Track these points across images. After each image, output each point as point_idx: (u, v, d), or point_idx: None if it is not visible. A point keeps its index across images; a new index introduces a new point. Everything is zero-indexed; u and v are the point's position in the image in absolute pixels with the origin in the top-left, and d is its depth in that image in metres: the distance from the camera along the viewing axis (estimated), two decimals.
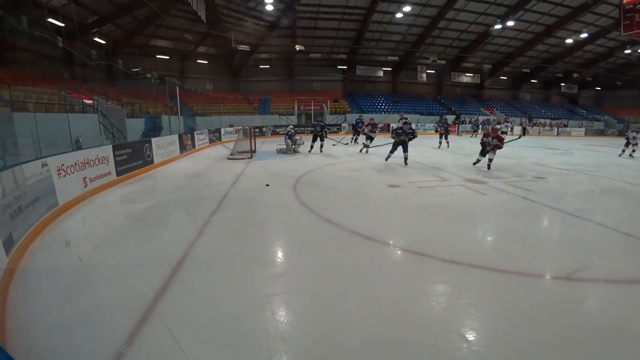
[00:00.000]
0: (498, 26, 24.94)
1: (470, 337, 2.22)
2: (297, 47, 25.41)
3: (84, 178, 5.87)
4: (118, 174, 7.13)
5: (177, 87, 13.50)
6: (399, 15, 23.55)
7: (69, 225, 4.57)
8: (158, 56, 25.54)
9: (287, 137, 12.57)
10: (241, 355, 2.06)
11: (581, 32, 26.14)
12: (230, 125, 20.27)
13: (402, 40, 28.30)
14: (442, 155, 12.67)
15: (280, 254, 3.66)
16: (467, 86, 35.40)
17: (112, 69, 17.26)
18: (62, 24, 15.04)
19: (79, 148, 7.08)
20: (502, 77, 35.88)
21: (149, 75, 13.59)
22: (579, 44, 28.60)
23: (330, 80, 32.09)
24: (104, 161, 6.63)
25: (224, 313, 2.46)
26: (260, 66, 30.26)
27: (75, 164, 5.62)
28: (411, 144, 9.93)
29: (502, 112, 32.57)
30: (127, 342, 2.09)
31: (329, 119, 26.18)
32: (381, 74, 31.79)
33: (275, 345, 2.11)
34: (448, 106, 32.39)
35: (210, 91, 26.49)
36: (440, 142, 15.38)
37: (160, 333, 2.21)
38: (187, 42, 25.60)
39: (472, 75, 34.22)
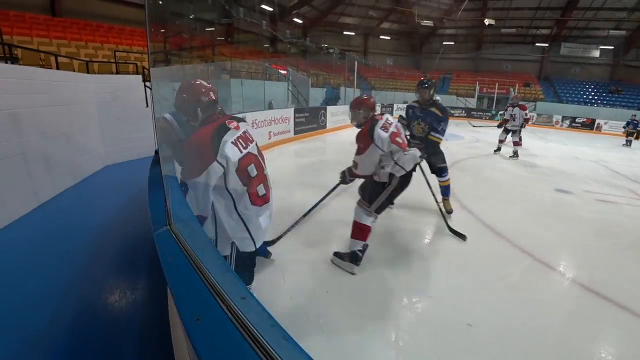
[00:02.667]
0: None
1: None
2: (487, 22, 22.81)
3: (269, 132, 7.26)
4: (295, 132, 8.44)
5: (356, 62, 14.47)
6: None
7: None
8: (344, 32, 27.45)
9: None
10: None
11: None
12: (404, 102, 20.49)
13: (636, 7, 21.49)
14: None
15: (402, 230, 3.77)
16: None
17: (304, 44, 19.96)
18: (270, 9, 18.25)
19: (270, 108, 8.66)
20: None
21: (331, 50, 15.09)
22: None
23: (524, 60, 27.67)
24: (286, 121, 7.96)
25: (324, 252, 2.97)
26: (444, 42, 28.72)
27: (264, 120, 7.02)
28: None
29: None
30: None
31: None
32: (596, 53, 25.32)
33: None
34: None
35: (388, 67, 27.07)
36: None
37: (285, 249, 2.94)
38: (372, 18, 26.56)
39: None
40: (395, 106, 18.95)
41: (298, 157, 6.95)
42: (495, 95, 23.85)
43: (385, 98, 20.60)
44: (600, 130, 21.03)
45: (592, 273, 2.99)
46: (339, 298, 2.40)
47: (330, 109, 10.57)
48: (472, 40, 27.88)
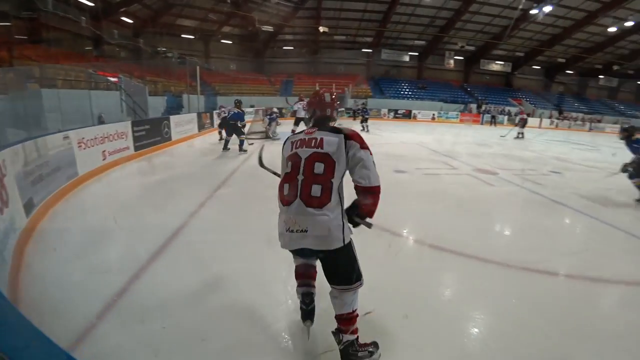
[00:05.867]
0: (534, 11, 23.61)
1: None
2: (321, 29, 25.19)
3: (104, 151, 6.25)
4: (136, 148, 7.50)
5: (198, 67, 13.78)
6: None
7: (86, 194, 4.95)
8: (183, 35, 25.92)
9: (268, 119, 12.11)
10: (224, 312, 2.29)
11: (626, 20, 24.31)
12: (251, 106, 20.56)
13: (430, 24, 27.49)
14: (458, 144, 12.45)
15: (270, 228, 3.77)
16: (496, 74, 34.08)
17: (138, 47, 17.83)
18: (91, 3, 15.62)
19: (102, 123, 7.48)
20: (534, 67, 34.24)
21: (170, 54, 13.95)
22: (623, 33, 26.74)
23: (354, 63, 31.71)
24: (122, 136, 6.99)
25: (212, 275, 2.72)
26: (284, 47, 30.28)
27: (95, 138, 5.99)
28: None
29: (531, 104, 31.29)
30: (119, 295, 2.37)
31: (351, 102, 26.14)
32: (407, 58, 31.11)
33: (248, 306, 2.33)
34: (473, 94, 31.44)
35: (232, 71, 26.81)
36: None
37: (148, 290, 2.49)
38: (212, 22, 25.83)
39: (502, 63, 32.88)
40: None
41: (143, 176, 6.23)
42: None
43: (232, 103, 20.30)
44: (416, 119, 26.71)
45: (436, 232, 3.76)
46: None
47: (174, 118, 9.78)
48: (310, 46, 30.28)
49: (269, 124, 11.88)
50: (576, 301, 2.64)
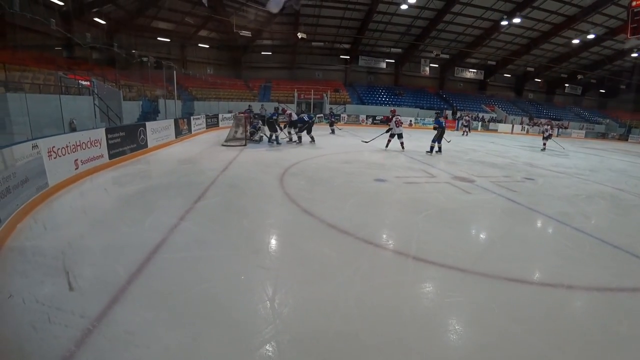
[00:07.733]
0: (504, 22, 24.66)
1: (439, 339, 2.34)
2: (300, 35, 25.21)
3: (76, 160, 5.97)
4: (110, 157, 7.22)
5: (175, 71, 13.44)
6: (404, 7, 23.33)
7: (57, 207, 4.70)
8: (158, 39, 25.29)
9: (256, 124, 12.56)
10: (209, 336, 2.19)
11: (589, 33, 25.77)
12: (229, 111, 20.29)
13: (407, 32, 28.10)
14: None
15: (255, 243, 3.75)
16: (469, 82, 35.23)
17: (110, 51, 17.11)
18: (61, 3, 14.93)
19: (73, 130, 7.15)
20: (505, 75, 35.65)
21: (145, 59, 13.47)
22: (586, 45, 28.34)
23: (332, 69, 31.97)
24: (96, 144, 6.72)
25: (196, 296, 2.61)
26: (262, 52, 30.13)
27: (67, 146, 5.71)
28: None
29: (503, 110, 32.46)
30: (97, 320, 2.24)
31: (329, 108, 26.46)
32: (384, 65, 31.61)
33: (235, 324, 2.26)
34: (449, 101, 32.30)
35: (209, 76, 26.36)
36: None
37: (129, 313, 2.35)
38: (188, 25, 25.33)
39: (475, 71, 34.02)
40: (220, 116, 18.40)
41: (119, 186, 5.95)
42: (312, 101, 26.69)
43: (210, 109, 19.95)
44: None
45: (419, 244, 3.78)
46: None
47: (150, 124, 9.44)
48: (288, 52, 30.25)
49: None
50: (554, 308, 2.72)
